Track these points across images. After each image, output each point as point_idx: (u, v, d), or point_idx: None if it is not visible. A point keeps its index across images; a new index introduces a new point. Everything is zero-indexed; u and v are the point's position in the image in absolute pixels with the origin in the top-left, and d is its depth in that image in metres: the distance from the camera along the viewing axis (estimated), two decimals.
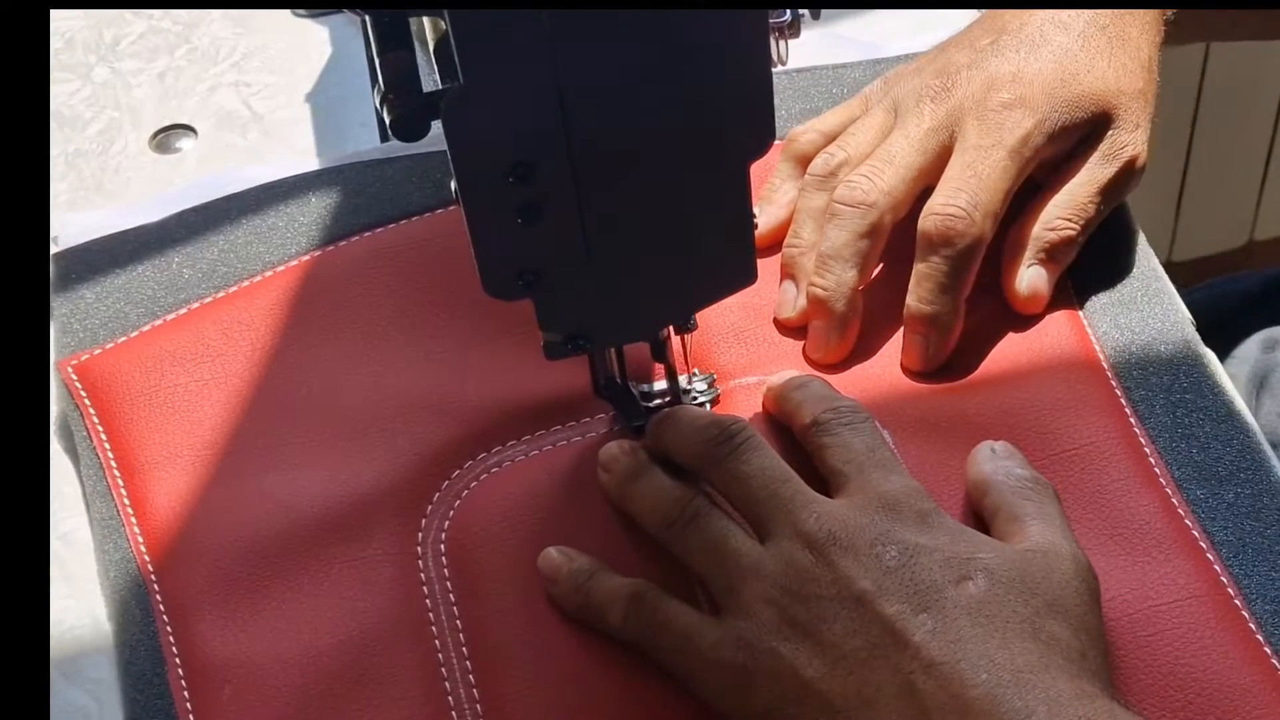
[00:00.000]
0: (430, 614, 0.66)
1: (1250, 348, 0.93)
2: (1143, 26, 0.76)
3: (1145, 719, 0.58)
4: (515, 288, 0.61)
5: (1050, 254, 0.74)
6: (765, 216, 0.77)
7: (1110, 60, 0.75)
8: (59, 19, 0.98)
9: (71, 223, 0.83)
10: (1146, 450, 0.69)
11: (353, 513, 0.69)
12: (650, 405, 0.70)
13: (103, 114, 0.92)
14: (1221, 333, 0.96)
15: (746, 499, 0.63)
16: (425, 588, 0.66)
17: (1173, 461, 0.69)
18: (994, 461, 0.66)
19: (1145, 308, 0.75)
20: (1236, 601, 0.64)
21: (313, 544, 0.68)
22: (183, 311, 0.78)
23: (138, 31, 0.97)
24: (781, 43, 0.65)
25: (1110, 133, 0.75)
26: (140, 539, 0.70)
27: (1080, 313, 0.75)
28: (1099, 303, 0.76)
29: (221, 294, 0.78)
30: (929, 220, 0.71)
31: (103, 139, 0.91)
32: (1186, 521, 0.67)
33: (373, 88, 0.93)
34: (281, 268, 0.79)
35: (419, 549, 0.68)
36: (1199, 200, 1.73)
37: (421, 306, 0.77)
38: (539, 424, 0.71)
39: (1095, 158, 0.75)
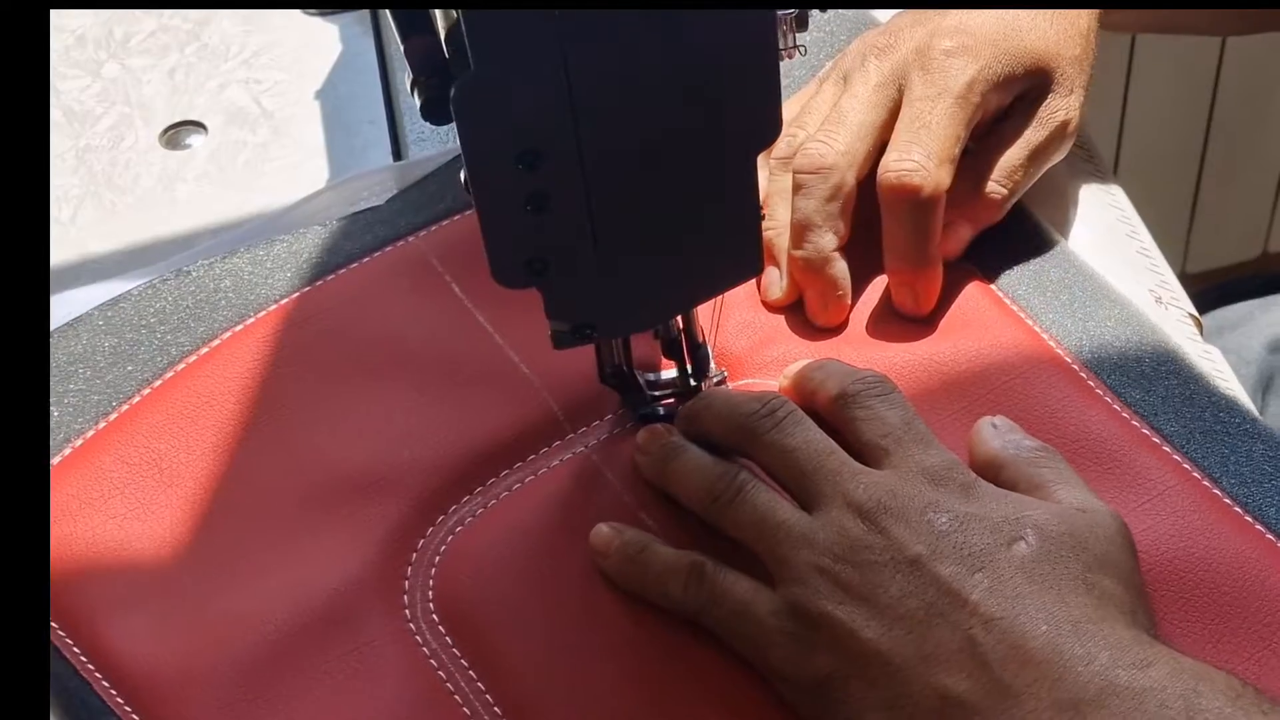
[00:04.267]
0: (448, 684, 0.63)
1: (1257, 349, 0.93)
2: None
3: (1198, 658, 0.58)
4: (523, 276, 0.60)
5: (975, 214, 0.76)
6: None
7: (1052, 23, 0.76)
8: (70, 16, 0.98)
9: None
10: (1075, 367, 0.72)
11: (332, 607, 0.65)
12: (656, 394, 0.70)
13: (113, 110, 0.92)
14: (1229, 334, 0.96)
15: (793, 471, 0.63)
16: (433, 660, 0.64)
17: (1100, 371, 0.72)
18: (1000, 437, 0.66)
19: (1035, 249, 0.78)
20: (1205, 483, 0.67)
21: (301, 649, 0.64)
22: (67, 452, 0.72)
23: (148, 29, 0.98)
24: (789, 34, 0.65)
25: (1046, 96, 0.76)
26: (114, 693, 0.64)
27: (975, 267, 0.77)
28: (994, 253, 0.77)
29: (103, 424, 0.73)
30: (886, 177, 0.72)
31: (113, 134, 0.91)
32: (1134, 423, 0.70)
33: (383, 84, 0.94)
34: (158, 383, 0.74)
35: (410, 625, 0.65)
36: (1212, 212, 1.73)
37: (326, 384, 0.74)
38: (487, 472, 0.70)
39: (1028, 120, 0.76)
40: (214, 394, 0.74)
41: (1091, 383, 0.71)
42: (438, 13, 0.59)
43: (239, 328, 0.76)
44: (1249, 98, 1.63)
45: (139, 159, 0.90)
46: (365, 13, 0.98)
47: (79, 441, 0.72)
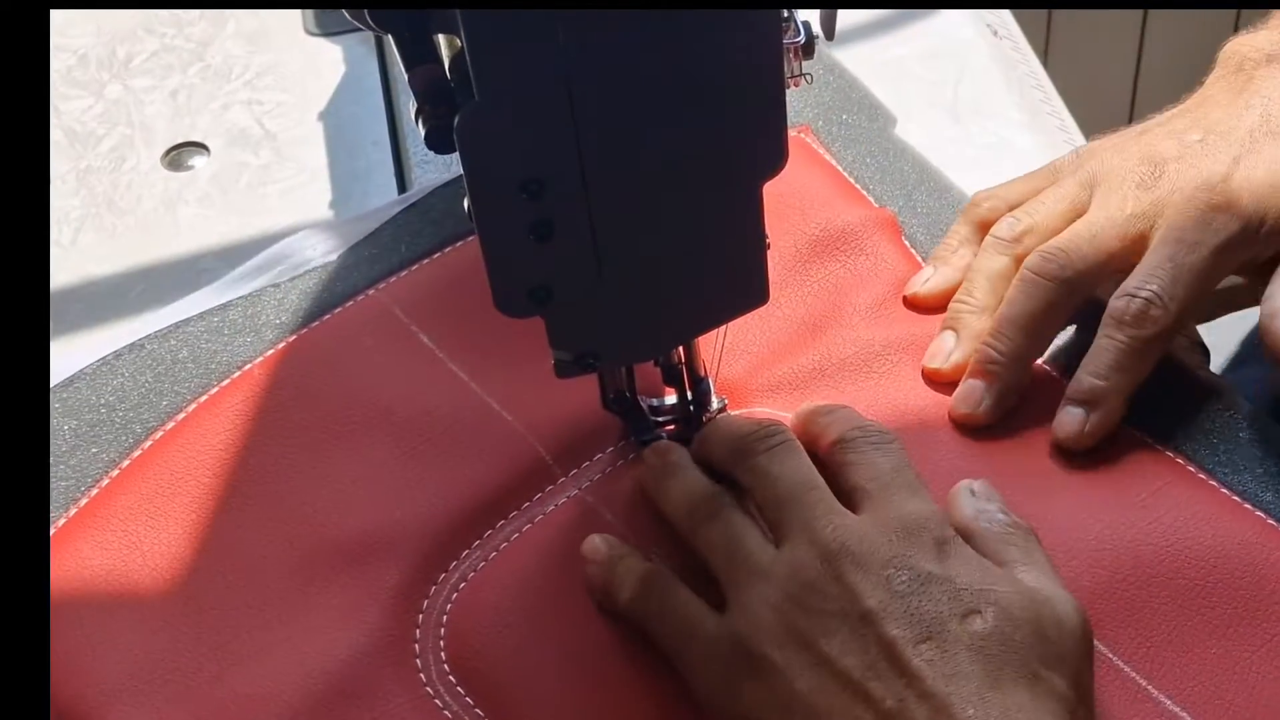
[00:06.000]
0: None
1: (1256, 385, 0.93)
2: None
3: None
4: (526, 305, 0.60)
5: None
6: (937, 276, 0.76)
7: None
8: (72, 36, 0.98)
9: None
10: (1055, 374, 0.73)
11: (344, 680, 0.63)
12: (659, 420, 0.70)
13: (115, 131, 0.92)
14: (1236, 368, 0.95)
15: (769, 498, 0.63)
16: None
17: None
18: (974, 505, 0.64)
19: None
20: (1200, 475, 0.68)
21: None
22: None
23: (151, 49, 0.97)
24: (795, 63, 0.65)
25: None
26: None
27: None
28: None
29: (73, 510, 0.70)
30: (1122, 299, 0.70)
31: (114, 156, 0.91)
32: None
33: (387, 106, 0.93)
34: (126, 463, 0.72)
35: (428, 689, 0.63)
36: None
37: (304, 449, 0.71)
38: (484, 524, 0.68)
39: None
40: (187, 469, 0.71)
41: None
42: (441, 40, 0.59)
43: (204, 398, 0.74)
44: None
45: (140, 180, 0.89)
46: (369, 34, 0.98)
47: (51, 530, 0.69)
